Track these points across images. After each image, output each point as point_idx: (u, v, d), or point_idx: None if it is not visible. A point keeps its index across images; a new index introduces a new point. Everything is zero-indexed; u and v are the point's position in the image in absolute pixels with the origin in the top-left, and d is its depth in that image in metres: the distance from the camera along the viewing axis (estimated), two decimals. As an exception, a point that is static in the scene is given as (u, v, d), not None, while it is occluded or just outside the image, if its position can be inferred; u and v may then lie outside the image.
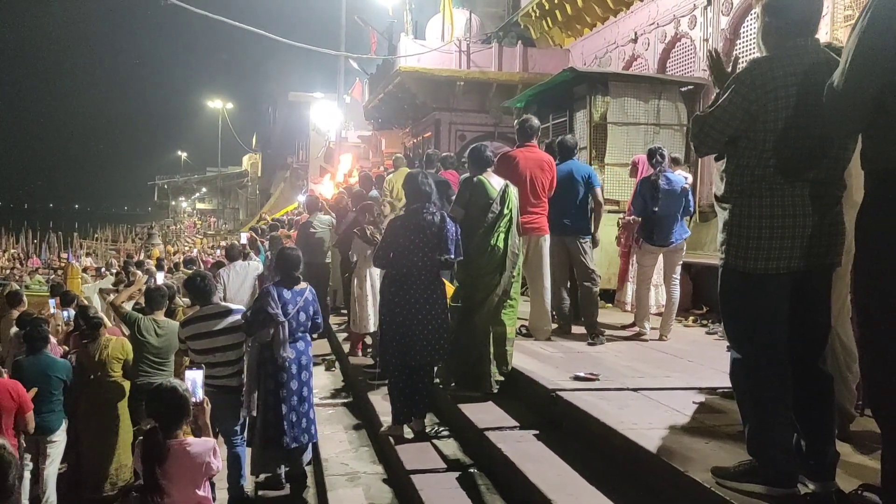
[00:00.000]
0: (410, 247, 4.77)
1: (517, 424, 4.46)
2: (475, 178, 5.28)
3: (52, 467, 6.00)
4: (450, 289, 5.31)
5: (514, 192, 5.26)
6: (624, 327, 6.86)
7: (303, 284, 5.09)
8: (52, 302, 8.83)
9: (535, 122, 6.51)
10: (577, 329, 6.56)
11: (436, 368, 5.16)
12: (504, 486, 3.94)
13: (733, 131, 2.81)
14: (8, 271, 24.65)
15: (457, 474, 4.23)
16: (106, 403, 6.35)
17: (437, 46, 16.54)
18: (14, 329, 7.53)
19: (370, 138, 24.67)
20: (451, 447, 4.70)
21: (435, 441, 4.80)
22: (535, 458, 3.86)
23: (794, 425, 2.79)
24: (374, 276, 7.09)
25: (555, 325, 6.53)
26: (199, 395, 3.73)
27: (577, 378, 4.73)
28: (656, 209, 6.24)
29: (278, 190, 46.87)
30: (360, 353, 7.47)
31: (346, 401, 6.71)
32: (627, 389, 4.53)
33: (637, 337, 6.45)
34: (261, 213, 40.92)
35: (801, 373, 2.79)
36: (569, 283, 6.73)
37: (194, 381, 3.75)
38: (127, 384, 6.30)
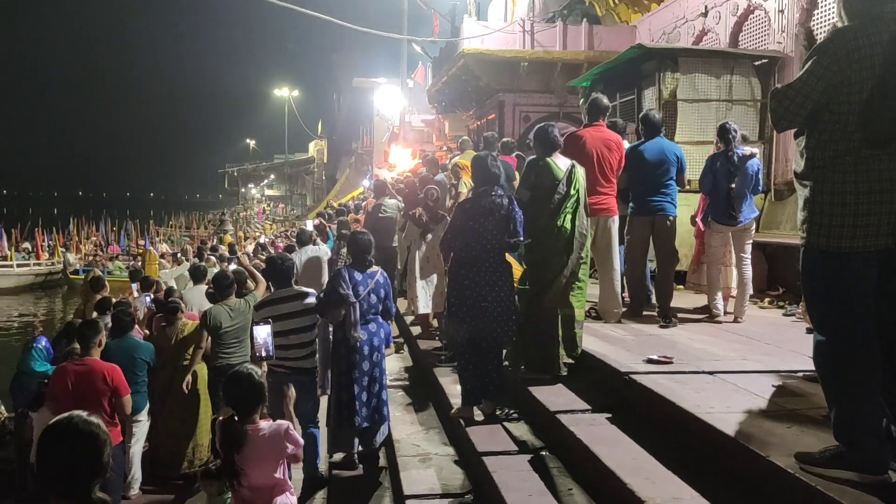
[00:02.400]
0: (479, 229, 4.77)
1: (589, 407, 4.42)
2: (541, 160, 5.22)
3: (138, 446, 6.26)
4: (517, 270, 5.29)
5: (581, 172, 5.17)
6: (697, 309, 6.71)
7: (374, 267, 5.15)
8: (134, 286, 9.16)
9: (605, 100, 6.39)
10: (648, 312, 6.46)
11: (504, 351, 5.15)
12: (577, 469, 3.92)
13: (814, 104, 2.69)
14: (91, 258, 25.76)
15: (528, 457, 4.22)
16: (183, 385, 6.58)
17: (501, 27, 16.38)
18: (95, 313, 7.85)
19: (434, 122, 24.70)
20: (521, 429, 4.70)
21: (505, 423, 4.80)
22: (608, 442, 3.82)
23: (884, 409, 2.68)
24: (418, 256, 7.17)
25: (625, 308, 6.44)
26: (271, 349, 3.80)
27: (650, 361, 4.65)
28: (733, 185, 6.06)
29: (344, 175, 47.43)
30: (428, 335, 7.53)
31: (415, 383, 6.78)
32: (703, 372, 4.43)
33: (710, 319, 6.30)
34: (327, 198, 41.53)
35: (890, 354, 2.68)
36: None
37: (266, 337, 3.83)
38: (203, 367, 6.52)
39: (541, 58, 15.66)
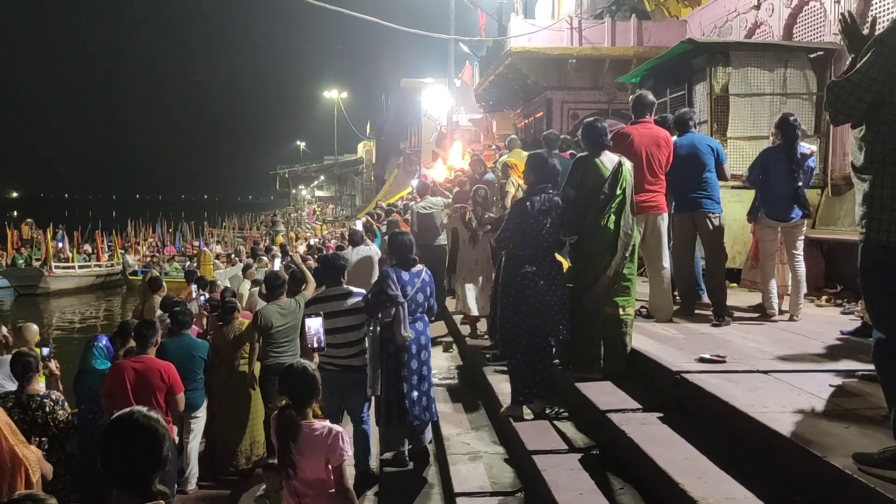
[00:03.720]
0: (536, 227, 4.77)
1: (640, 406, 4.38)
2: (587, 159, 5.18)
3: (195, 441, 6.42)
4: (565, 267, 5.27)
5: (628, 169, 5.10)
6: (751, 308, 6.58)
7: (419, 266, 5.19)
8: (194, 287, 9.39)
9: (650, 97, 6.32)
10: (701, 310, 6.36)
11: (555, 349, 5.14)
12: (628, 468, 3.89)
13: (874, 97, 2.63)
14: (149, 259, 26.47)
15: (578, 456, 4.20)
16: (238, 382, 6.73)
17: (548, 25, 16.30)
18: (158, 312, 8.07)
19: (481, 121, 24.71)
20: (571, 428, 4.68)
21: (555, 422, 4.79)
22: (660, 441, 3.78)
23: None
24: (466, 259, 7.20)
25: (676, 307, 6.35)
26: (323, 340, 3.87)
27: (702, 360, 4.59)
28: (800, 183, 5.93)
29: (392, 176, 47.75)
30: (476, 334, 7.54)
31: (463, 381, 6.80)
32: (757, 372, 4.35)
33: (765, 317, 6.18)
34: (376, 199, 41.87)
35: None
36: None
37: (318, 328, 3.90)
38: (256, 364, 6.65)
39: (589, 55, 15.54)
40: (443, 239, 9.42)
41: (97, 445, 2.24)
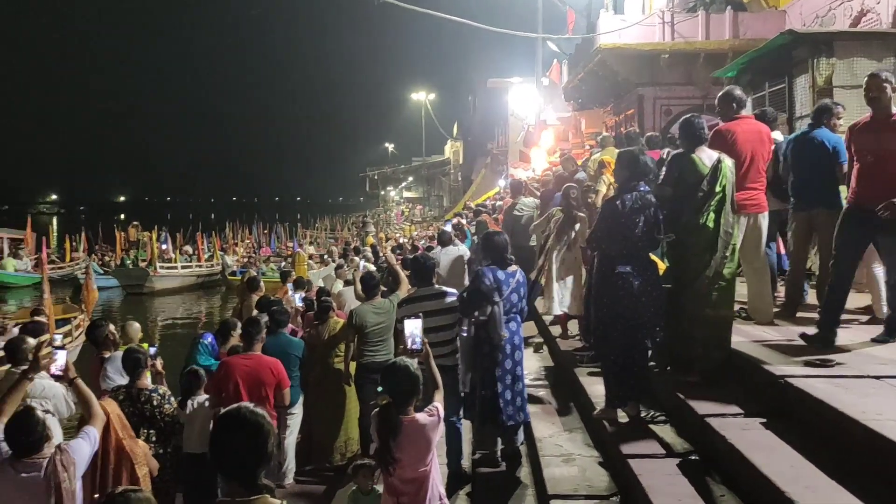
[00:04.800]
0: (629, 226, 4.67)
1: (741, 411, 4.24)
2: (684, 156, 5.04)
3: (291, 437, 6.61)
4: (661, 268, 5.15)
5: (729, 166, 4.91)
6: (860, 310, 6.25)
7: (514, 267, 5.18)
8: (289, 287, 9.67)
9: (738, 91, 6.07)
10: (802, 312, 6.09)
11: (650, 352, 5.03)
12: (729, 475, 3.77)
13: None
14: (245, 260, 27.45)
15: (676, 461, 4.11)
16: (333, 380, 6.89)
17: (639, 20, 15.98)
18: (255, 312, 8.35)
19: (570, 119, 24.41)
20: (668, 432, 4.57)
21: (651, 426, 4.69)
22: (763, 448, 3.65)
23: None
24: (556, 258, 7.13)
25: (777, 309, 6.10)
26: (419, 342, 3.94)
27: (808, 364, 4.40)
28: None
29: (479, 176, 47.81)
30: (566, 335, 7.47)
31: (555, 382, 6.75)
32: (868, 377, 4.13)
33: (875, 321, 5.85)
34: (463, 199, 42.02)
35: None
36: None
37: (413, 330, 3.97)
38: (352, 363, 6.79)
39: (682, 49, 15.15)
40: (533, 240, 9.38)
41: (207, 439, 2.36)
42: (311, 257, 19.21)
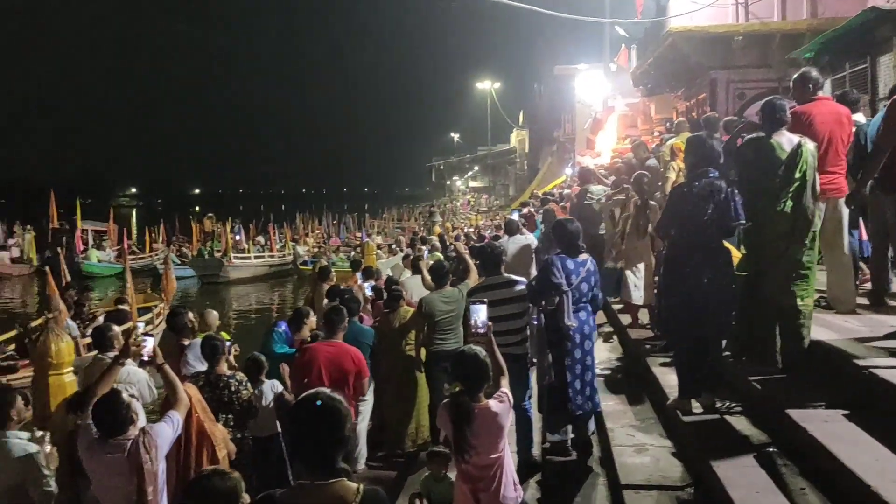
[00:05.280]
0: (697, 213, 4.57)
1: (821, 403, 4.11)
2: (761, 140, 4.88)
3: (363, 424, 6.73)
4: (735, 256, 5.02)
5: (810, 150, 4.73)
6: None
7: (584, 255, 5.13)
8: (358, 275, 9.82)
9: (814, 72, 5.84)
10: (892, 301, 5.85)
11: (725, 341, 4.92)
12: (810, 468, 3.67)
13: None
14: (316, 250, 27.98)
15: (754, 452, 4.02)
16: (404, 368, 6.98)
17: (711, 1, 15.53)
18: (325, 301, 8.50)
19: (638, 105, 23.94)
20: (744, 424, 4.47)
21: (726, 416, 4.59)
22: (846, 440, 3.53)
23: None
24: (627, 246, 7.02)
25: (860, 298, 5.88)
26: (483, 327, 3.98)
27: (894, 355, 4.23)
28: None
29: (546, 164, 47.40)
30: (637, 324, 7.37)
31: (625, 372, 6.67)
32: (959, 369, 3.96)
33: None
34: (529, 188, 41.75)
35: None
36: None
37: (477, 315, 4.02)
38: (422, 351, 6.86)
39: (757, 30, 14.65)
40: (603, 228, 9.27)
41: (285, 424, 2.42)
42: (379, 247, 19.44)
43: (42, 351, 5.22)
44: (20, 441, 3.90)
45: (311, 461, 2.34)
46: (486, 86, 64.57)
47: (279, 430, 5.84)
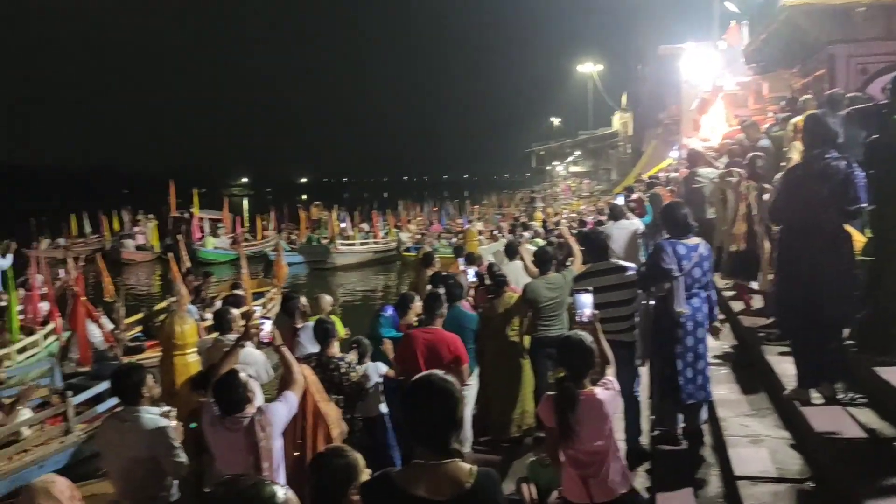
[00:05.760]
0: (812, 196, 4.36)
1: (955, 395, 3.87)
2: (886, 116, 4.58)
3: (468, 408, 6.78)
4: (859, 240, 4.75)
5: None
6: None
7: (696, 239, 4.98)
8: (461, 260, 9.91)
9: None
10: None
11: (848, 329, 4.68)
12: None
13: None
14: (419, 236, 28.36)
15: (880, 447, 3.83)
16: (508, 354, 6.99)
17: (830, -29, 14.65)
18: (428, 287, 8.62)
19: (750, 84, 22.90)
20: (869, 416, 4.26)
21: (848, 408, 4.39)
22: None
23: None
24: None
25: None
26: (587, 316, 3.96)
27: None
28: None
29: (650, 147, 46.14)
30: (749, 311, 7.11)
31: (738, 361, 6.46)
32: None
33: None
34: (633, 172, 40.81)
35: None
36: None
37: (582, 304, 4.00)
38: (527, 337, 6.86)
39: (881, 0, 13.73)
40: (712, 213, 8.98)
41: (400, 406, 2.48)
42: (480, 233, 19.50)
43: (168, 333, 5.56)
44: (151, 416, 4.15)
45: (426, 441, 2.39)
46: (588, 68, 63.38)
47: (384, 411, 6.01)
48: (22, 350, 10.46)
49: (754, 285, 6.91)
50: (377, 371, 6.01)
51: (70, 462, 7.00)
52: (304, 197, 72.46)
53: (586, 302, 4.01)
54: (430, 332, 5.76)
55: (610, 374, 3.73)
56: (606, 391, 3.55)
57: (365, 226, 33.53)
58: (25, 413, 7.31)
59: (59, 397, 7.76)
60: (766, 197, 6.61)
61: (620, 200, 11.81)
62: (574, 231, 10.98)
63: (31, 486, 2.96)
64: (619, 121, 69.12)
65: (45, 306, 12.10)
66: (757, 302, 7.04)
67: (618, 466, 3.56)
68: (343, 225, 31.65)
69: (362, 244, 29.37)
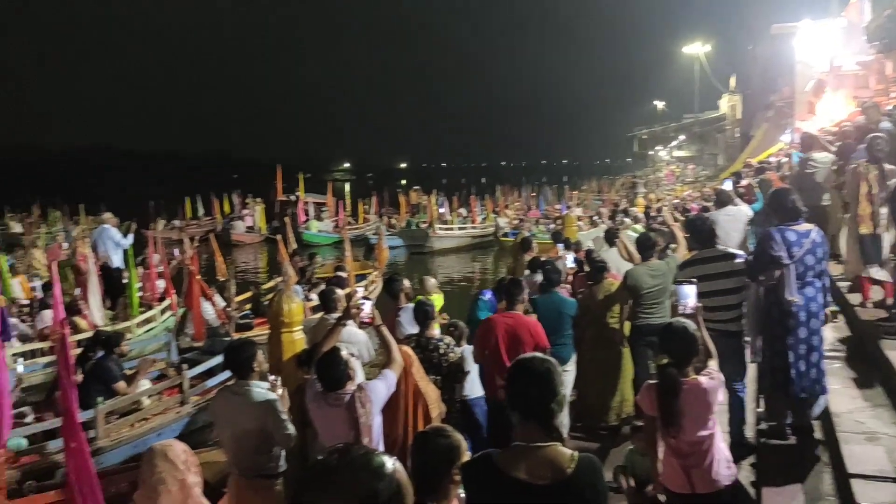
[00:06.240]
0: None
1: None
2: None
3: (565, 394, 6.76)
4: None
5: None
6: None
7: (808, 225, 4.76)
8: (560, 246, 9.84)
9: None
10: None
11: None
12: None
13: None
14: (517, 222, 28.31)
15: None
16: (608, 341, 6.91)
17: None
18: (527, 272, 8.61)
19: (871, 63, 21.54)
20: None
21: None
22: None
23: None
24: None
25: None
26: (690, 307, 3.87)
27: None
28: None
29: (760, 131, 44.13)
30: (867, 302, 6.73)
31: (853, 355, 6.14)
32: None
33: None
34: (741, 157, 39.17)
35: None
36: None
37: (685, 295, 3.91)
38: (627, 324, 6.75)
39: None
40: (827, 199, 8.53)
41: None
42: (579, 219, 19.20)
43: (276, 311, 5.79)
44: (261, 389, 4.35)
45: (529, 416, 2.39)
46: (695, 49, 61.15)
47: (479, 393, 6.06)
48: (141, 324, 11.15)
49: (876, 273, 6.52)
50: (474, 353, 6.07)
51: (185, 431, 7.40)
52: (402, 182, 73.38)
53: (689, 293, 3.92)
54: (510, 316, 5.77)
55: (713, 366, 3.63)
56: (711, 381, 3.46)
57: (463, 211, 33.71)
58: (145, 384, 7.80)
59: (175, 370, 8.24)
60: (893, 182, 6.23)
61: (728, 186, 11.37)
62: (678, 218, 10.66)
63: (152, 449, 3.21)
64: (727, 103, 66.43)
65: (161, 284, 12.82)
66: (876, 293, 6.66)
67: (722, 458, 3.47)
68: (442, 210, 31.93)
69: (460, 229, 29.57)
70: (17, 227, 29.90)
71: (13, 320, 9.89)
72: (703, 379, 3.46)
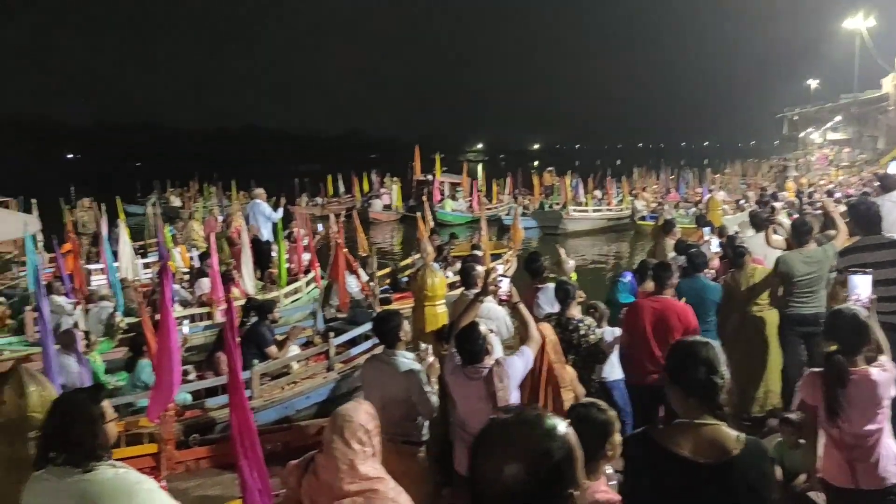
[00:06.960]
0: None
1: None
2: None
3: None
4: None
5: None
6: None
7: None
8: (705, 230, 9.52)
9: None
10: None
11: None
12: None
13: None
14: (654, 205, 27.50)
15: None
16: (753, 329, 6.64)
17: None
18: (671, 254, 8.39)
19: None
20: None
21: None
22: None
23: None
24: None
25: None
26: (865, 300, 3.66)
27: None
28: None
29: (930, 112, 40.48)
30: None
31: None
32: None
33: None
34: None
35: None
36: None
37: (858, 286, 3.71)
38: (774, 313, 6.46)
39: None
40: None
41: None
42: (724, 203, 18.41)
43: (420, 284, 5.98)
44: (406, 360, 4.52)
45: (688, 401, 2.35)
46: (856, 23, 56.68)
47: (619, 376, 6.00)
48: (288, 295, 11.78)
49: None
50: (613, 335, 6.01)
51: (330, 396, 7.79)
52: (535, 163, 72.89)
53: (863, 283, 3.70)
54: (658, 301, 5.65)
55: (884, 359, 3.43)
56: (884, 373, 3.28)
57: (598, 192, 33.10)
58: (294, 350, 8.28)
59: (321, 338, 8.67)
60: None
61: (893, 170, 10.58)
62: (840, 201, 10.02)
63: (337, 412, 3.04)
64: (891, 82, 61.26)
65: (306, 257, 13.48)
66: None
67: (891, 454, 3.28)
68: (575, 192, 31.52)
69: (595, 211, 29.07)
70: (176, 202, 32.33)
71: (175, 286, 10.73)
72: (873, 370, 3.27)
